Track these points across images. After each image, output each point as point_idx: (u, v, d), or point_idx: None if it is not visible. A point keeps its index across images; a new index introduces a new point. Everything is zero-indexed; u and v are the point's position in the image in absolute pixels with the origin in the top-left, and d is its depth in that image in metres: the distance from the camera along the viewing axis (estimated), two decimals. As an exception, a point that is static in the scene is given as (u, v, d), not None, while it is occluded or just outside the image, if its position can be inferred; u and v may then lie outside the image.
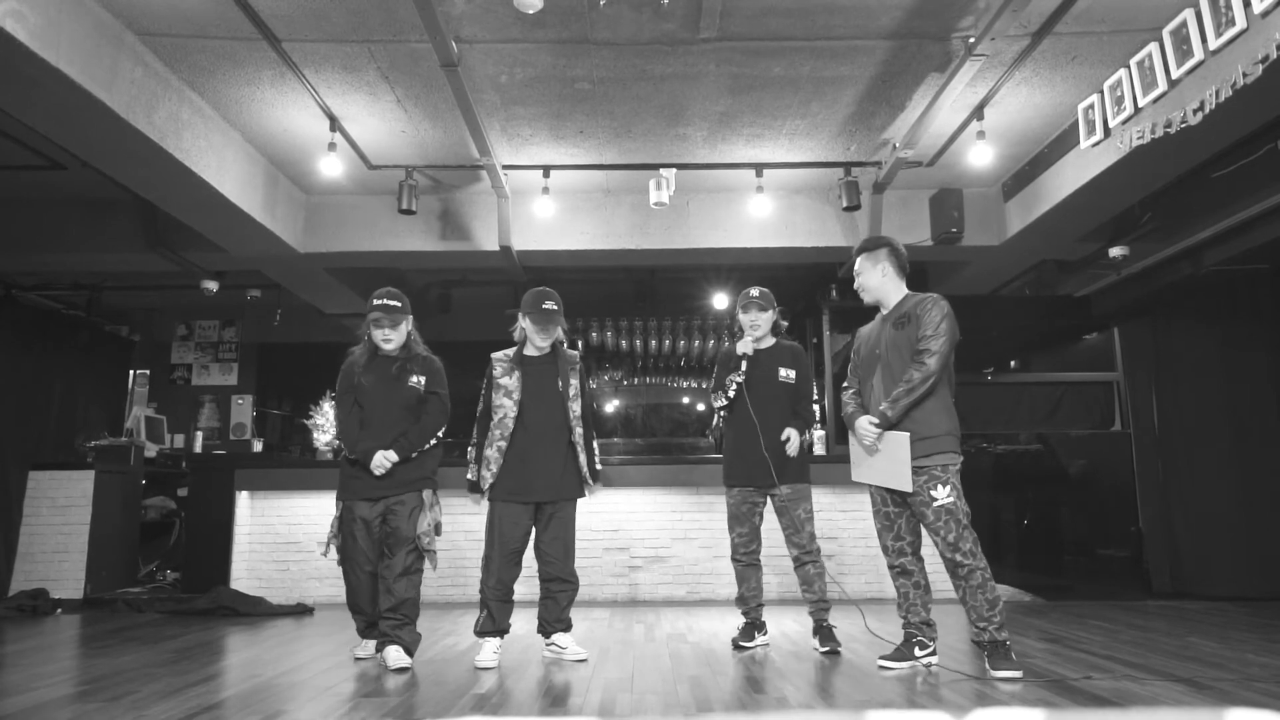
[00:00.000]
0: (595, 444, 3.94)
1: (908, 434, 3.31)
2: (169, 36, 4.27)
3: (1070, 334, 7.33)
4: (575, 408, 3.80)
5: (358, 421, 3.78)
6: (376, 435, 3.72)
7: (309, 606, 5.43)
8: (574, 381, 3.82)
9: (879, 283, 3.57)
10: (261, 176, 5.71)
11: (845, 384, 3.75)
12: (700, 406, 10.43)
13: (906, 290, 3.59)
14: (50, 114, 4.14)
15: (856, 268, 3.62)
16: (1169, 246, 6.04)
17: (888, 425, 3.37)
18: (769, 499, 3.99)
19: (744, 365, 3.94)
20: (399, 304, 3.79)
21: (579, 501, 3.86)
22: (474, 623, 3.72)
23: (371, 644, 3.80)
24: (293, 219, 6.25)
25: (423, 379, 3.81)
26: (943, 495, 3.27)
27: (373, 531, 3.73)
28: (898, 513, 3.48)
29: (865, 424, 3.43)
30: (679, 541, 5.82)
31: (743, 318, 4.04)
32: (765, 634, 4.04)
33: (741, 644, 3.93)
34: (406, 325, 3.84)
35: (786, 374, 3.98)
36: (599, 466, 3.91)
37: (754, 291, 4.04)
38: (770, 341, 4.07)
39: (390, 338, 3.77)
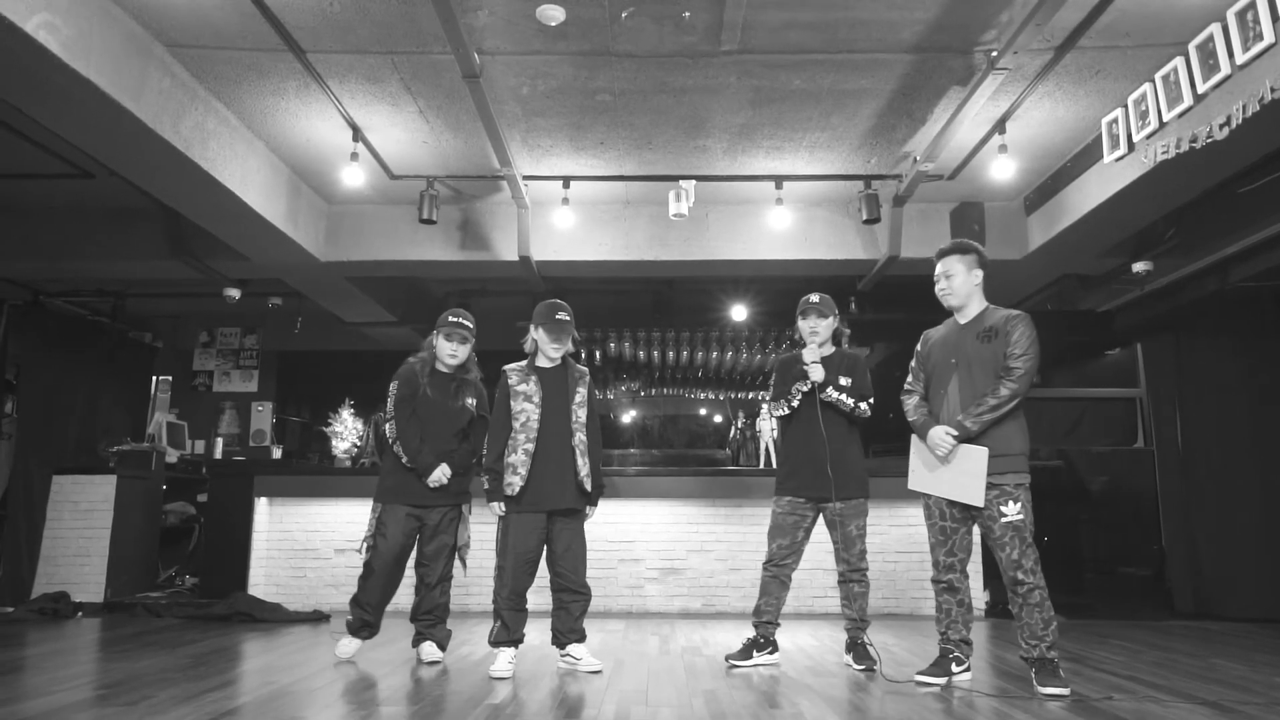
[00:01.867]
0: (599, 463, 3.83)
1: (985, 449, 3.27)
2: (196, 48, 4.34)
3: (1092, 349, 7.26)
4: (581, 414, 3.79)
5: (418, 432, 3.94)
6: (430, 448, 3.94)
7: (325, 614, 5.45)
8: (581, 390, 3.82)
9: (970, 288, 3.50)
10: (284, 186, 5.77)
11: (908, 387, 3.62)
12: (717, 418, 10.40)
13: (986, 302, 3.54)
14: (79, 123, 4.21)
15: (947, 267, 3.52)
16: (1193, 262, 5.98)
17: (965, 438, 3.32)
18: (821, 513, 3.84)
19: (811, 374, 3.75)
20: (471, 325, 4.02)
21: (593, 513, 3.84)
22: (488, 633, 3.72)
23: (355, 644, 3.96)
24: (314, 228, 6.31)
25: (474, 401, 4.05)
26: (1012, 512, 3.24)
27: (408, 534, 3.96)
28: (954, 528, 3.42)
29: (942, 434, 3.35)
30: (695, 554, 5.80)
31: (802, 324, 3.85)
32: (770, 654, 3.83)
33: (736, 662, 3.77)
34: (471, 347, 4.05)
35: (845, 383, 3.81)
36: (601, 485, 3.82)
37: (814, 297, 3.85)
38: (830, 350, 3.91)
39: (458, 354, 4.00)
